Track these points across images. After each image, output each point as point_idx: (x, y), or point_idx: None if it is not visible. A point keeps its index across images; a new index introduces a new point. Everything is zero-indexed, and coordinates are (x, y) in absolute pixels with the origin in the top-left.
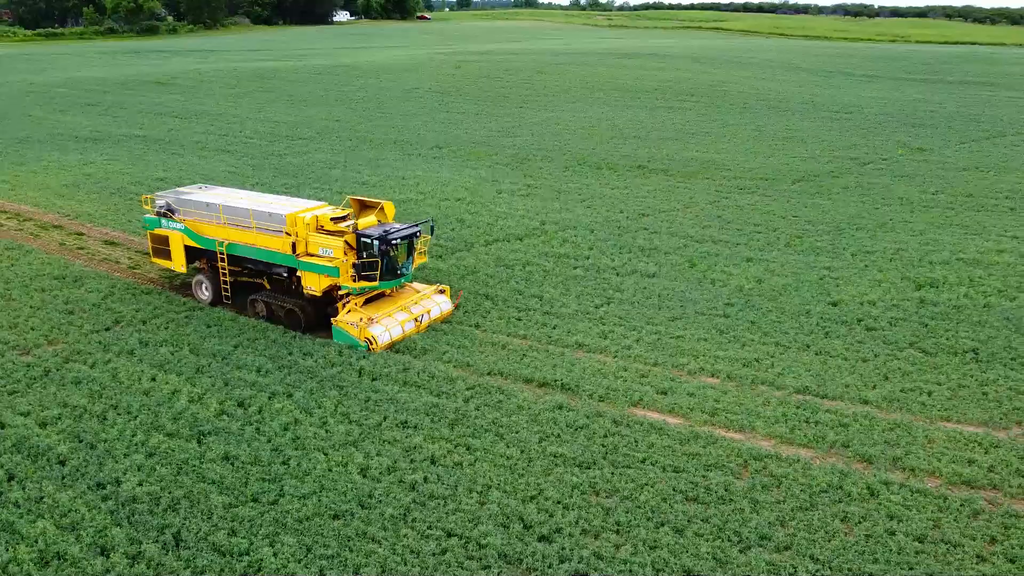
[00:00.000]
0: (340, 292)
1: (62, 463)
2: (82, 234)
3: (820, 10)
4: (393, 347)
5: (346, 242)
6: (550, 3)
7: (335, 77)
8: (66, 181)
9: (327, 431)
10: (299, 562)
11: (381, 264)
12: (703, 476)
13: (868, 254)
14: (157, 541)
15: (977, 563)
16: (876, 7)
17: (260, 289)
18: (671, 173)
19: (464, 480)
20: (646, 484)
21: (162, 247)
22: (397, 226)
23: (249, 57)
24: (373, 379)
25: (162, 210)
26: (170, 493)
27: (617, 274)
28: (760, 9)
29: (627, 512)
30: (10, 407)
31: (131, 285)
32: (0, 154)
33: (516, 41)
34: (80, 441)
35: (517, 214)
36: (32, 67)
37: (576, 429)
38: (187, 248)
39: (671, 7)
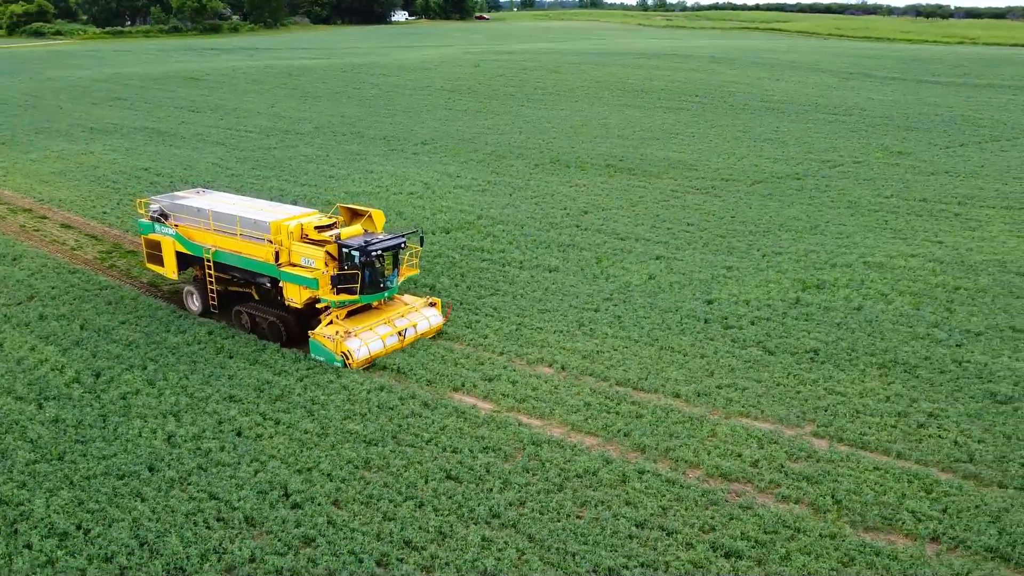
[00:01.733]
0: (319, 305)
1: None
2: (45, 218)
3: (891, 11)
4: (373, 363)
5: (327, 252)
6: (622, 3)
7: (357, 74)
8: (57, 169)
9: (159, 401)
10: (65, 513)
11: (362, 276)
12: (474, 457)
13: (778, 255)
14: None
15: (682, 550)
16: (952, 8)
17: (248, 299)
18: (636, 172)
19: (254, 450)
20: (417, 462)
21: (155, 253)
22: (380, 236)
23: (291, 55)
24: (229, 357)
25: (155, 215)
26: None
27: (521, 268)
28: (828, 10)
29: (384, 486)
30: None
31: (62, 264)
32: (13, 142)
33: (556, 41)
34: None
35: (457, 208)
36: (87, 63)
37: (384, 409)
38: (179, 255)
39: (735, 7)
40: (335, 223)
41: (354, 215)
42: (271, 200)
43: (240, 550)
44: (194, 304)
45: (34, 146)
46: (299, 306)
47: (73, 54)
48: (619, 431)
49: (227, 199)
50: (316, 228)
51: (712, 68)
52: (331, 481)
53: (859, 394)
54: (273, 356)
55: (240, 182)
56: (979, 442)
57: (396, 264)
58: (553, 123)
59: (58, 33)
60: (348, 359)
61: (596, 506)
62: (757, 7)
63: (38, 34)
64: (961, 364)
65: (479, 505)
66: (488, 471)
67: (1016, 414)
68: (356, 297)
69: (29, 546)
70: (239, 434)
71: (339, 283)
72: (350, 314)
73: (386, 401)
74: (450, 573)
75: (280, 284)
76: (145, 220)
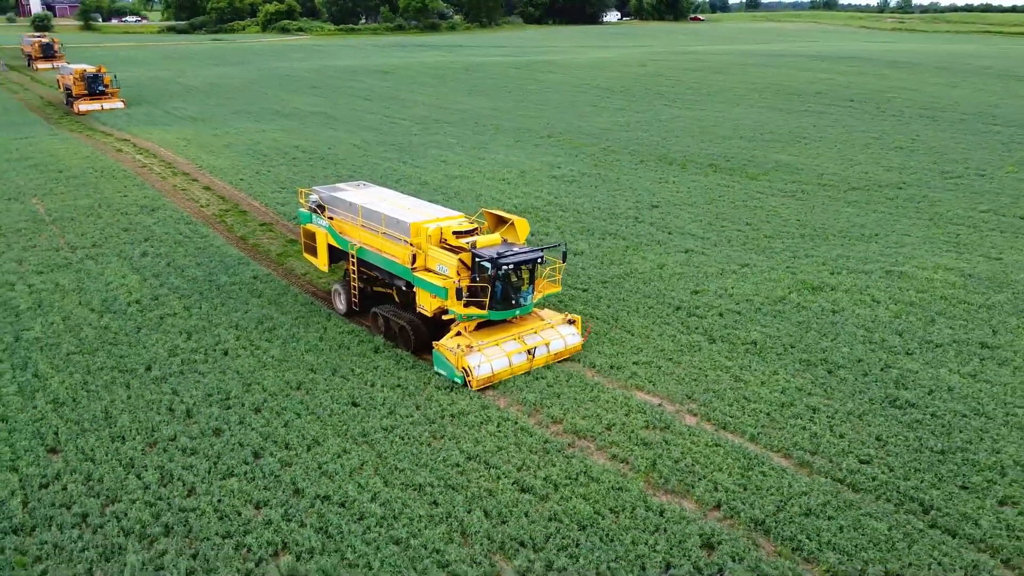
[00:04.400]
0: (446, 317)
1: (19, 316)
2: (196, 180)
3: None
4: (495, 383)
5: (460, 260)
6: (866, 3)
7: (528, 71)
8: (226, 143)
9: (185, 322)
10: (70, 389)
11: (492, 290)
12: (381, 391)
13: (807, 257)
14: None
15: (489, 480)
16: None
17: (389, 301)
18: (735, 173)
19: (224, 365)
20: (337, 389)
21: (311, 243)
22: (517, 248)
23: (483, 52)
24: (258, 297)
25: (313, 206)
26: (50, 334)
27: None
28: None
29: (300, 403)
30: (24, 279)
31: (184, 217)
32: (209, 120)
33: (753, 43)
34: (39, 306)
35: (535, 195)
36: (309, 56)
37: (342, 348)
38: (330, 248)
39: (988, 9)
40: (476, 229)
41: (499, 222)
42: (427, 199)
43: (167, 431)
44: (340, 303)
45: (223, 124)
46: (428, 314)
47: (302, 48)
48: (513, 387)
49: (382, 194)
50: (454, 233)
51: (885, 72)
52: (263, 393)
53: (760, 383)
54: (289, 301)
55: (364, 160)
56: (840, 436)
57: (532, 279)
58: (685, 123)
59: (300, 30)
60: (468, 376)
61: (448, 439)
62: (1014, 8)
63: (285, 30)
64: (888, 370)
65: (357, 426)
66: (384, 403)
67: (901, 418)
68: (484, 313)
69: (35, 406)
70: (225, 354)
71: (466, 295)
72: (480, 326)
73: (348, 343)
74: (299, 470)
75: (414, 288)
76: (304, 210)
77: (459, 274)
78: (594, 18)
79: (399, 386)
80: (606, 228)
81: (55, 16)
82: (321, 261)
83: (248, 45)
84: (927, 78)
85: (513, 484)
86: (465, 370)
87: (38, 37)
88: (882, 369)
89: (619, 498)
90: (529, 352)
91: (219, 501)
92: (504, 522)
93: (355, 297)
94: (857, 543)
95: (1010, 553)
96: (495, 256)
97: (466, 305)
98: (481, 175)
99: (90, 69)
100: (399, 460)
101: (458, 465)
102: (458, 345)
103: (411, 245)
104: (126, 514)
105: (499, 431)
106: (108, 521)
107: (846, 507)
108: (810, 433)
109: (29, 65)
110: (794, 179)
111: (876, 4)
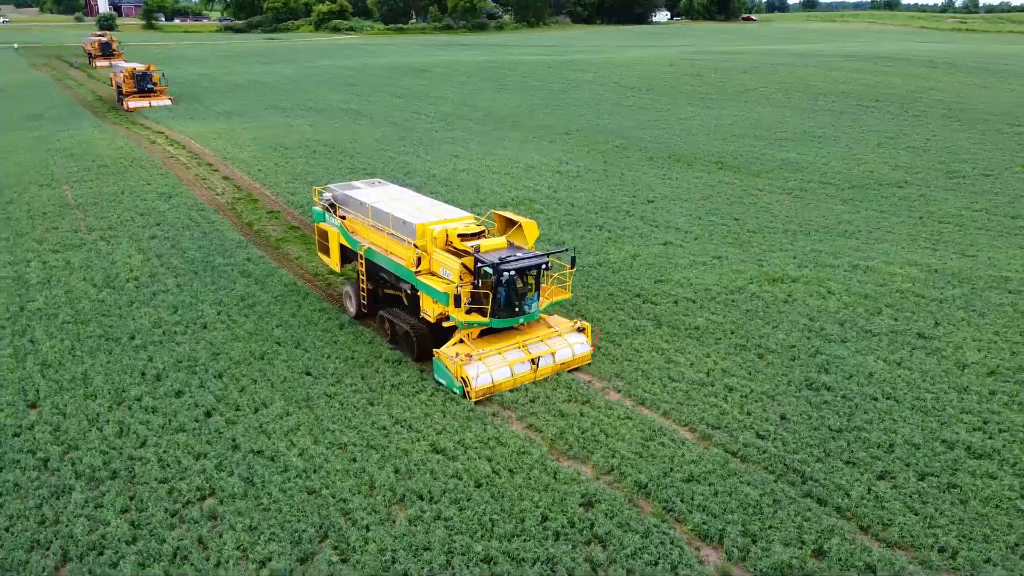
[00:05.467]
0: (446, 323)
1: (28, 289)
2: (217, 170)
3: None
4: (495, 394)
5: (463, 264)
6: (933, 4)
7: (559, 70)
8: (253, 136)
9: (174, 298)
10: (57, 354)
11: (494, 296)
12: (333, 362)
13: (781, 251)
14: (22, 310)
15: (408, 443)
16: None
17: (398, 304)
18: (739, 171)
19: (200, 336)
20: (295, 360)
21: (324, 243)
22: (521, 253)
23: (526, 52)
24: (246, 277)
25: (326, 204)
26: (51, 305)
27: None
28: None
29: (259, 371)
30: (40, 257)
31: (197, 204)
32: (244, 115)
33: (795, 43)
34: (48, 281)
35: (533, 188)
36: (355, 54)
37: (310, 324)
38: (342, 248)
39: None
40: (483, 232)
41: (509, 224)
42: (429, 191)
43: (135, 391)
44: (351, 306)
45: (255, 119)
46: (431, 320)
47: (349, 47)
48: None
49: (396, 193)
50: (460, 236)
51: (920, 72)
52: (229, 362)
53: (689, 364)
54: (274, 281)
55: (380, 154)
56: (747, 414)
57: (538, 286)
58: (702, 121)
59: (351, 29)
60: (467, 387)
61: (383, 407)
62: None
63: (336, 30)
64: (816, 356)
65: (303, 392)
66: (333, 373)
67: (812, 399)
68: (485, 320)
69: (25, 367)
70: (204, 327)
71: (467, 301)
72: (484, 333)
73: (317, 319)
74: (241, 428)
75: (418, 292)
76: (319, 208)
77: (462, 279)
78: (642, 18)
79: (351, 358)
80: (594, 221)
81: (120, 16)
82: (333, 261)
83: (298, 44)
84: (960, 78)
85: (429, 446)
86: (464, 380)
87: (98, 36)
88: (811, 355)
89: (520, 460)
90: (533, 361)
91: (164, 452)
92: (410, 478)
93: (364, 299)
94: (726, 506)
95: (871, 521)
96: (497, 261)
97: (468, 312)
98: (488, 169)
99: (139, 67)
100: (332, 422)
101: (384, 428)
102: (457, 354)
103: (415, 247)
104: (81, 460)
105: (430, 400)
106: (64, 466)
107: (728, 475)
108: (719, 410)
109: (89, 63)
110: (796, 177)
111: (939, 4)
